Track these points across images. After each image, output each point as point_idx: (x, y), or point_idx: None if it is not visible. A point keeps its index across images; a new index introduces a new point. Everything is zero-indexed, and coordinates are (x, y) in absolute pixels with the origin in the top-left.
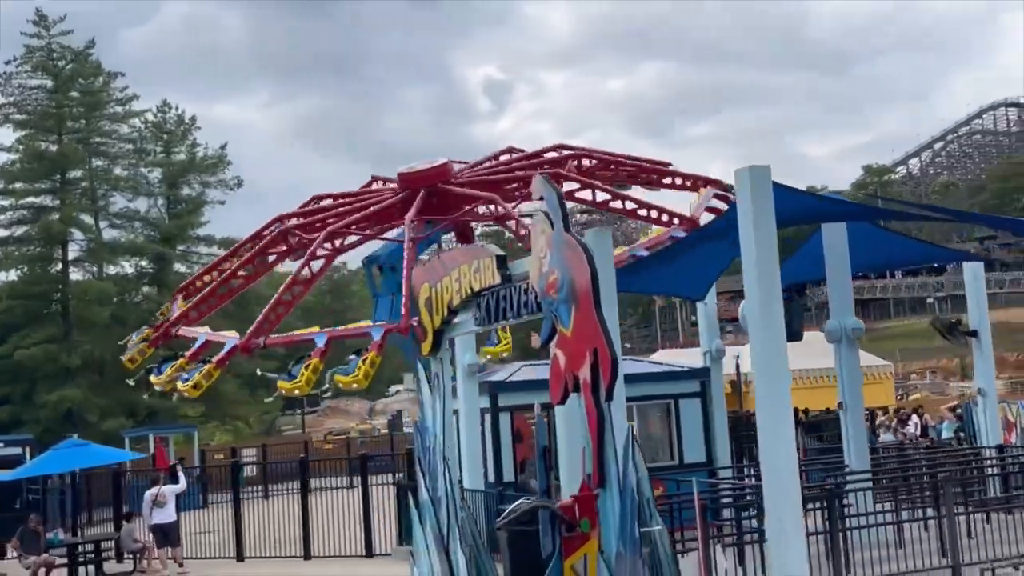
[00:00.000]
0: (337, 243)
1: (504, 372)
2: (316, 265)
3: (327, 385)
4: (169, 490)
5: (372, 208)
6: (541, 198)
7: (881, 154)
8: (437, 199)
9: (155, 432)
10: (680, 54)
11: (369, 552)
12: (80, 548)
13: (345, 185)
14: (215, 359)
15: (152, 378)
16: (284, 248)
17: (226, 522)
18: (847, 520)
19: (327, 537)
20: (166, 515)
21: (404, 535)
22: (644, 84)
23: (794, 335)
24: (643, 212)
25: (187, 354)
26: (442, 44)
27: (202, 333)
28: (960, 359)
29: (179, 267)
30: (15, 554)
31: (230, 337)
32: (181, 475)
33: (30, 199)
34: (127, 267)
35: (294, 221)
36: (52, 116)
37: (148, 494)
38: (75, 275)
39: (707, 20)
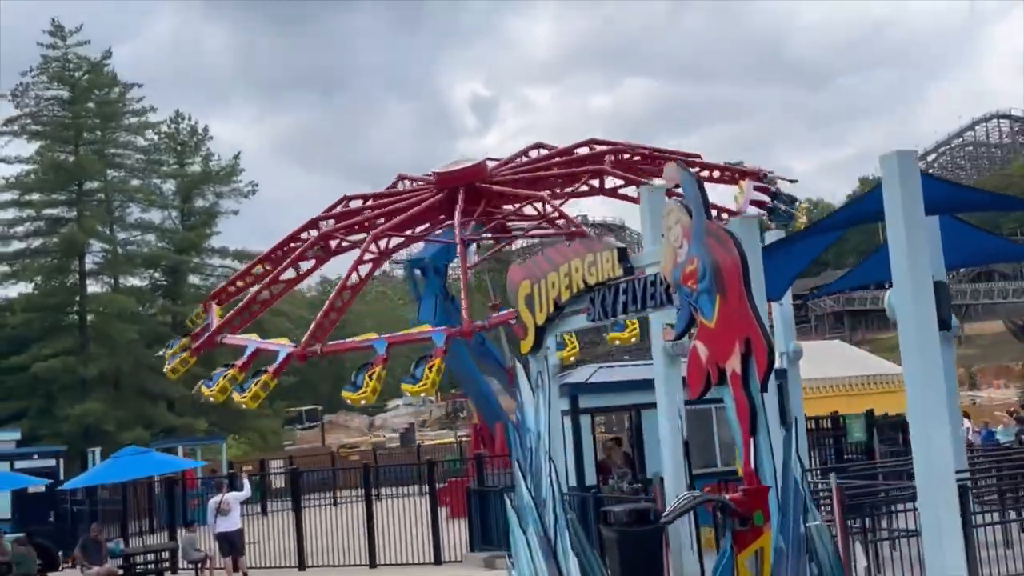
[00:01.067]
0: (383, 244)
1: (583, 373)
2: (364, 269)
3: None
4: (233, 497)
5: (413, 209)
6: (676, 187)
7: (866, 168)
8: (476, 198)
9: (184, 444)
10: (664, 70)
11: (438, 559)
12: (140, 558)
13: (332, 198)
14: (271, 369)
15: (203, 389)
16: (323, 252)
17: (262, 532)
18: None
19: (391, 545)
20: (231, 523)
21: (476, 541)
22: (628, 100)
23: (944, 323)
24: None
25: (238, 363)
26: (427, 60)
27: (251, 341)
28: (967, 368)
29: (193, 279)
30: (75, 564)
31: (282, 345)
32: (245, 481)
33: (47, 211)
34: (141, 280)
35: (330, 223)
36: (69, 127)
37: (212, 502)
38: (91, 287)
39: (690, 37)
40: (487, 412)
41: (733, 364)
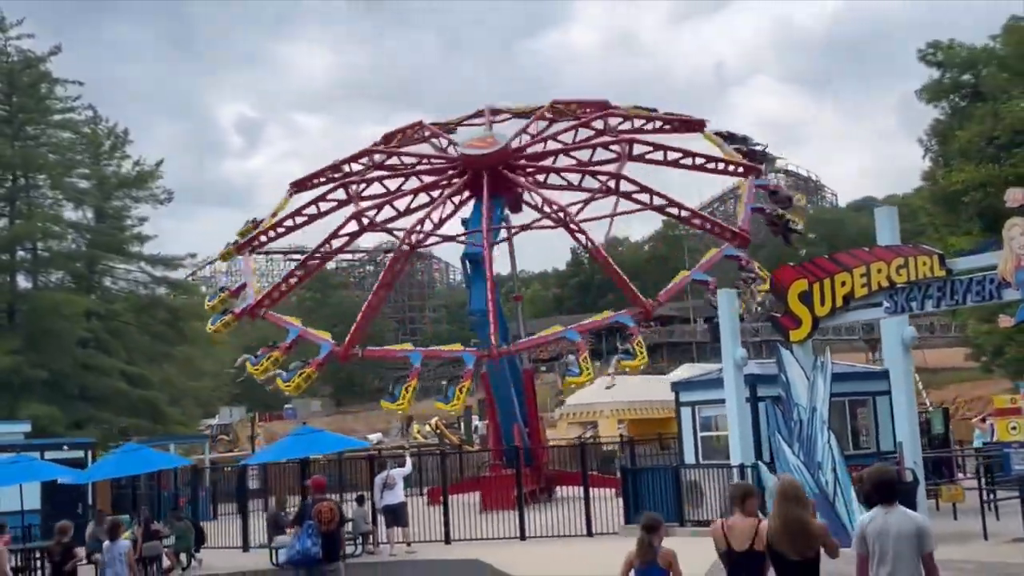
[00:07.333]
0: (414, 239)
1: (760, 366)
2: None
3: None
4: (398, 473)
5: (439, 195)
6: (1020, 207)
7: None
8: (500, 180)
9: (176, 442)
10: (435, 106)
11: (590, 532)
12: None
13: None
14: (313, 363)
15: (249, 366)
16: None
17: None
18: None
19: (538, 519)
20: (395, 496)
21: (631, 514)
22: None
23: None
24: (711, 165)
25: (281, 346)
26: (196, 81)
27: (294, 326)
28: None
29: (106, 281)
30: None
31: (325, 341)
32: (408, 459)
33: None
34: (60, 279)
35: (358, 189)
36: (9, 120)
37: (378, 478)
38: (23, 284)
39: (460, 75)
40: (506, 414)
41: None
